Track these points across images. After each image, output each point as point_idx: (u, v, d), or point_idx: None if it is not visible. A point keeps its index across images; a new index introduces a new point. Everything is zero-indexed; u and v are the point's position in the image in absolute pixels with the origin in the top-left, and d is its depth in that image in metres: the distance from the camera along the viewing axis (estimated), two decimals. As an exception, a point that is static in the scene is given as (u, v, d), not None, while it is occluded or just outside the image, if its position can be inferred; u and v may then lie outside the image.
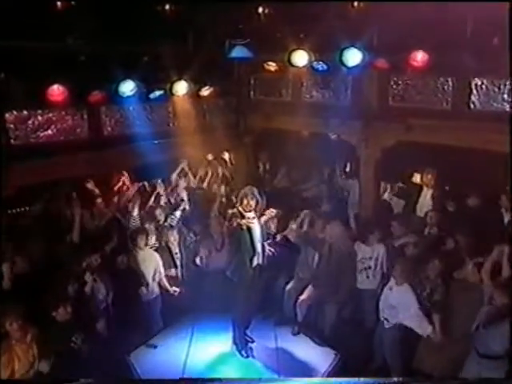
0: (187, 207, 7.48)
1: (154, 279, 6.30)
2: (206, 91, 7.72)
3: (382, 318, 5.64)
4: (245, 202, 5.40)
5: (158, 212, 7.24)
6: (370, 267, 6.30)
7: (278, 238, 6.55)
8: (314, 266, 6.39)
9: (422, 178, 7.41)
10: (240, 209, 5.41)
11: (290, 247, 6.54)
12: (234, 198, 6.74)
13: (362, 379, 4.60)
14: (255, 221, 5.49)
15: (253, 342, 6.03)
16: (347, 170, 8.70)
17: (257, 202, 5.44)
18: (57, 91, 6.03)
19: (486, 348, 4.60)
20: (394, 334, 5.54)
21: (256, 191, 5.48)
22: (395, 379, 5.50)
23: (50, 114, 6.42)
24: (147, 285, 6.21)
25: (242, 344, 5.91)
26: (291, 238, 6.52)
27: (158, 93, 7.08)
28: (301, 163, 8.93)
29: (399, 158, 7.19)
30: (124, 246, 6.36)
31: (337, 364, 5.87)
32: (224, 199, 7.92)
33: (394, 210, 7.77)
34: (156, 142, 7.32)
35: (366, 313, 6.38)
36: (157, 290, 6.35)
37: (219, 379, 5.39)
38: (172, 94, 7.17)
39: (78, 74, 6.47)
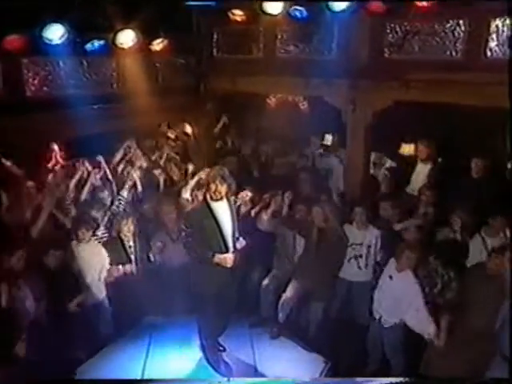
0: (138, 189, 6.32)
1: (99, 278, 5.34)
2: (158, 45, 6.56)
3: (377, 315, 4.94)
4: (213, 187, 4.34)
5: (103, 195, 6.08)
6: (361, 255, 5.46)
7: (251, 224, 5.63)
8: (296, 257, 5.58)
9: (415, 151, 6.49)
10: (207, 196, 4.40)
11: (264, 236, 5.68)
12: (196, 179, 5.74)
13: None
14: (226, 207, 4.48)
15: (224, 350, 5.08)
16: (327, 142, 7.61)
17: (228, 187, 4.40)
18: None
19: None
20: (397, 334, 4.88)
21: (227, 173, 4.43)
22: (393, 380, 4.62)
23: None
24: (92, 285, 5.27)
25: (212, 354, 4.95)
26: (266, 226, 5.63)
27: (96, 43, 5.87)
28: (274, 134, 7.76)
29: (395, 124, 6.12)
30: (58, 240, 5.20)
31: (327, 373, 5.08)
32: (182, 180, 6.79)
33: (381, 187, 6.77)
34: (96, 107, 6.03)
35: (357, 310, 5.65)
36: (104, 290, 5.42)
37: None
38: (115, 46, 5.88)
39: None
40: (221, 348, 5.04)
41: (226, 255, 4.40)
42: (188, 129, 7.81)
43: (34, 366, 4.19)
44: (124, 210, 5.84)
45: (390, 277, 4.79)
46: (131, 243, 5.53)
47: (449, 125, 6.14)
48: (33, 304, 4.48)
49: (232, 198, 4.59)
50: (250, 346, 5.34)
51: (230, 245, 4.49)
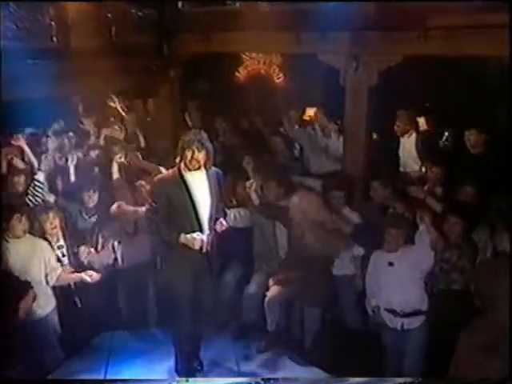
0: (72, 175, 5.21)
1: (46, 281, 4.26)
2: (109, -9, 5.27)
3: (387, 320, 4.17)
4: (188, 154, 3.75)
5: (19, 180, 4.88)
6: None
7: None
8: (280, 250, 4.85)
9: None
10: (181, 165, 3.81)
11: (238, 233, 4.94)
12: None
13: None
14: (203, 179, 3.88)
15: (202, 368, 4.36)
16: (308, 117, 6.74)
17: (207, 154, 3.80)
18: None
19: None
20: (419, 338, 4.15)
21: (205, 137, 3.83)
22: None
23: None
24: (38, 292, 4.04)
25: (187, 373, 4.22)
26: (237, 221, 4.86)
27: (28, -19, 4.70)
28: (253, 106, 6.68)
29: (405, 85, 5.12)
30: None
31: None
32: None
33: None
34: (30, 62, 4.73)
35: (346, 310, 4.89)
36: (53, 299, 4.36)
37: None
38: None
39: None
40: (198, 367, 4.31)
41: (194, 235, 3.74)
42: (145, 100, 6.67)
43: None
44: (42, 200, 4.67)
45: (390, 263, 4.10)
46: (61, 243, 4.44)
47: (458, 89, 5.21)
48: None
49: (213, 168, 3.89)
50: (234, 361, 4.56)
51: (206, 225, 3.86)
